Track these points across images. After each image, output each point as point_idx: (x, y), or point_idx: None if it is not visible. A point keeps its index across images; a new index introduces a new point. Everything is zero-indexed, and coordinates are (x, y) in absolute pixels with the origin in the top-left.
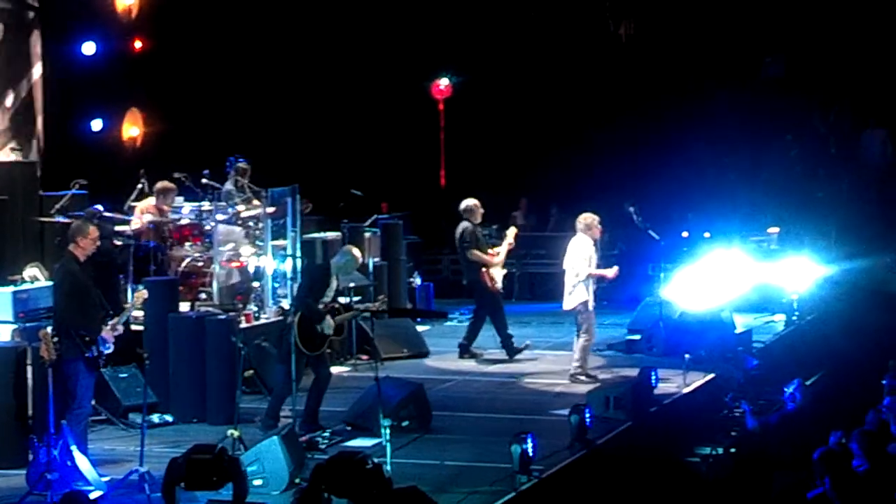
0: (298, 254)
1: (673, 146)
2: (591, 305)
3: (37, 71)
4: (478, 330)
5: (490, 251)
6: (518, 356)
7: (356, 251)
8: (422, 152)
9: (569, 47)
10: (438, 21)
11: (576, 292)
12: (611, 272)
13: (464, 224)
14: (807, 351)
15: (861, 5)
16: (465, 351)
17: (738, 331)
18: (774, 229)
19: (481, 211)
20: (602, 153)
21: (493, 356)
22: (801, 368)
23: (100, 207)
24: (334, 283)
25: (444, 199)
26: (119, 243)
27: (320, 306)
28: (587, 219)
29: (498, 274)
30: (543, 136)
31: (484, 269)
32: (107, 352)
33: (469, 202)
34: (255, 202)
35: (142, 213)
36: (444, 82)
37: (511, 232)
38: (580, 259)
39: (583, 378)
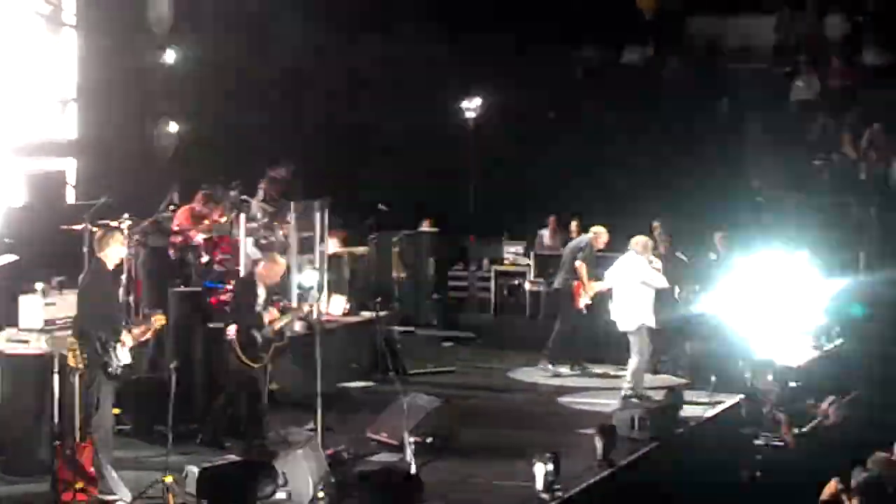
0: (325, 267)
1: (702, 168)
2: (647, 325)
3: (73, 81)
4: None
5: (590, 279)
6: (543, 375)
7: (280, 258)
8: (451, 170)
9: (596, 66)
10: (468, 39)
11: (637, 311)
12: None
13: (586, 239)
14: (839, 372)
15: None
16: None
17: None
18: (804, 253)
19: (604, 240)
20: (629, 173)
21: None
22: (835, 389)
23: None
24: (262, 292)
25: (471, 217)
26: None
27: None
28: (642, 240)
29: (585, 298)
30: (572, 157)
31: (578, 283)
32: (125, 362)
33: (600, 228)
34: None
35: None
36: None
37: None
38: (647, 276)
39: (634, 400)
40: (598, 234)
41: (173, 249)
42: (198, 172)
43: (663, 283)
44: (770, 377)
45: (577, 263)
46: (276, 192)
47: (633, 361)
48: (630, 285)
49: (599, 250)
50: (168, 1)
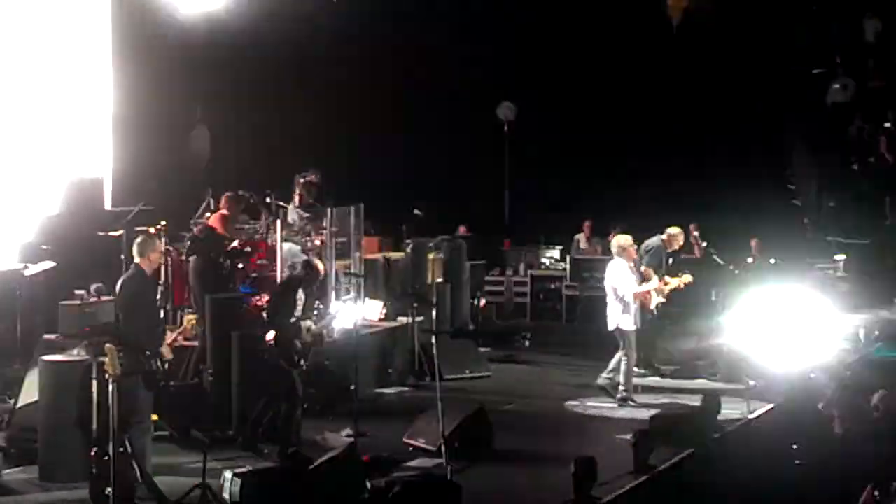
0: (362, 273)
1: (737, 171)
2: (630, 327)
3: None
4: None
5: (662, 279)
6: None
7: (319, 263)
8: (486, 174)
9: (631, 70)
10: (503, 44)
11: (616, 314)
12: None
13: (656, 241)
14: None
15: None
16: (647, 365)
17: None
18: (841, 256)
19: (680, 241)
20: (665, 177)
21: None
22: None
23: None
24: (301, 296)
25: (507, 222)
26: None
27: (292, 320)
28: (621, 241)
29: (655, 298)
30: (607, 160)
31: (646, 291)
32: (162, 368)
33: (675, 229)
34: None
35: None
36: None
37: (686, 278)
38: (620, 281)
39: (630, 402)
40: (674, 236)
41: (224, 256)
42: (232, 177)
43: (630, 289)
44: (825, 374)
45: (643, 269)
46: (311, 198)
47: (622, 364)
48: (611, 287)
49: (675, 251)
50: None
